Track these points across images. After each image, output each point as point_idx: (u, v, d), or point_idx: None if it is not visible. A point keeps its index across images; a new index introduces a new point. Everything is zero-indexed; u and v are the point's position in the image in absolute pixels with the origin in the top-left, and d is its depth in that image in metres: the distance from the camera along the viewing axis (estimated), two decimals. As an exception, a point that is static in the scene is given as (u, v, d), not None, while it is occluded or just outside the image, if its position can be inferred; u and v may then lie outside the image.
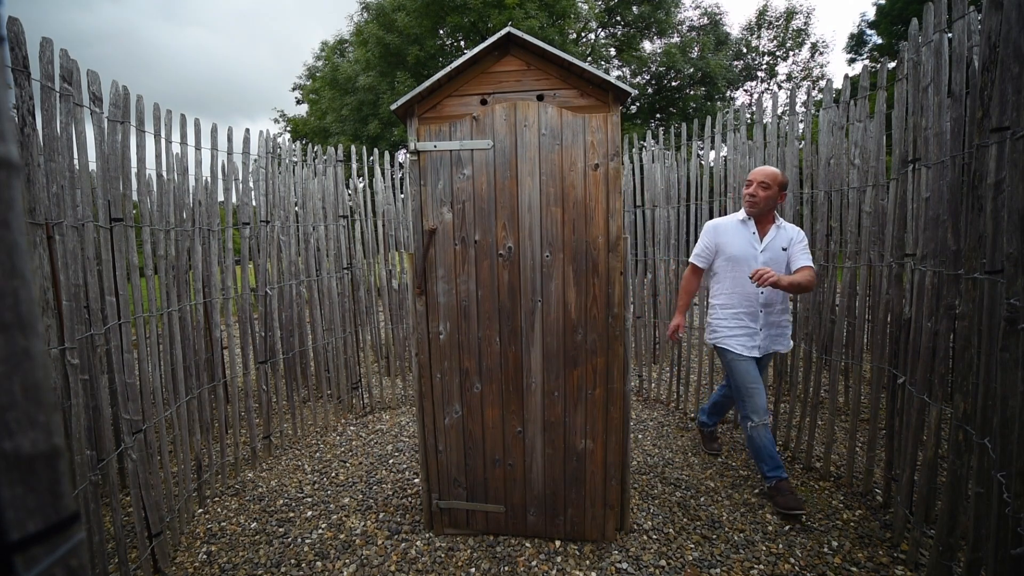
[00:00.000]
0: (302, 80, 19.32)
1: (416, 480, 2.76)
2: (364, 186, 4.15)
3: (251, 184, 3.09)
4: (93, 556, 1.72)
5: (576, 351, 2.03)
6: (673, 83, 16.49)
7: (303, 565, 2.09)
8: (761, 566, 2.00)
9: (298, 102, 20.24)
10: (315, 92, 16.65)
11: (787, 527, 2.24)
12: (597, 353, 2.02)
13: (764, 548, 2.11)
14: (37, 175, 1.54)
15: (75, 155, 1.75)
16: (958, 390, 1.59)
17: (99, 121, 1.91)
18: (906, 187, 2.15)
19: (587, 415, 2.06)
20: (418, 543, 2.20)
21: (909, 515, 2.02)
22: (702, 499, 2.50)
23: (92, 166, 1.91)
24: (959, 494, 1.61)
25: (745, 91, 18.90)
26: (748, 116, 3.43)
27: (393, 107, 1.98)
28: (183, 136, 2.45)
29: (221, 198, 2.87)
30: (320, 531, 2.32)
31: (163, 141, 2.33)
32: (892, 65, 2.52)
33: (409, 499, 2.57)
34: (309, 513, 2.48)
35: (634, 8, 15.38)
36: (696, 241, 3.73)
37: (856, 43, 19.34)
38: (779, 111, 3.38)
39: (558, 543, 2.17)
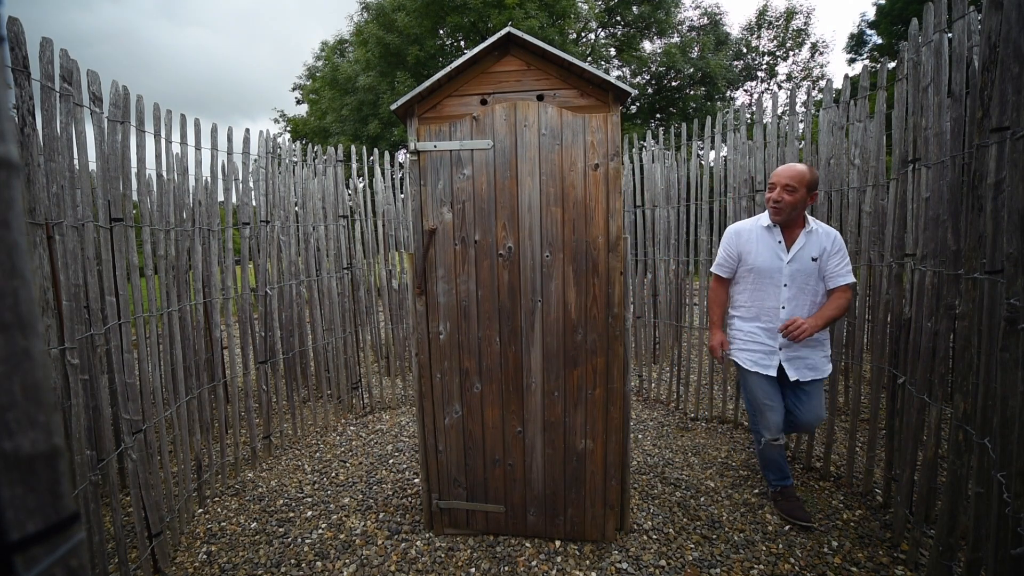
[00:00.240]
0: (302, 80, 19.33)
1: (416, 480, 2.76)
2: (364, 186, 4.15)
3: (251, 184, 3.09)
4: (93, 556, 1.72)
5: (576, 351, 2.03)
6: (673, 83, 16.50)
7: (303, 565, 2.09)
8: (761, 566, 2.00)
9: (298, 102, 20.26)
10: (315, 92, 16.66)
11: (787, 527, 2.24)
12: (597, 353, 2.02)
13: (764, 548, 2.11)
14: (37, 175, 1.54)
15: (75, 155, 1.75)
16: (958, 390, 1.59)
17: (99, 121, 1.91)
18: (906, 187, 2.15)
19: (587, 415, 2.06)
20: (418, 543, 2.20)
21: (909, 515, 2.02)
22: (702, 499, 2.50)
23: (92, 166, 1.91)
24: (959, 494, 1.61)
25: (745, 91, 18.91)
26: (748, 116, 3.43)
27: (393, 107, 1.98)
28: (183, 136, 2.45)
29: (221, 198, 2.87)
30: (320, 531, 2.32)
31: (163, 141, 2.33)
32: (892, 65, 2.52)
33: (409, 499, 2.57)
34: (309, 513, 2.48)
35: (634, 8, 15.38)
36: (697, 242, 3.75)
37: (856, 43, 19.34)
38: (779, 111, 3.38)
39: (558, 543, 2.17)
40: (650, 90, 16.58)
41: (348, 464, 3.00)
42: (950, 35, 1.86)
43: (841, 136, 2.74)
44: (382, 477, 2.82)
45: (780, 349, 2.21)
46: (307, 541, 2.25)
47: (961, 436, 1.57)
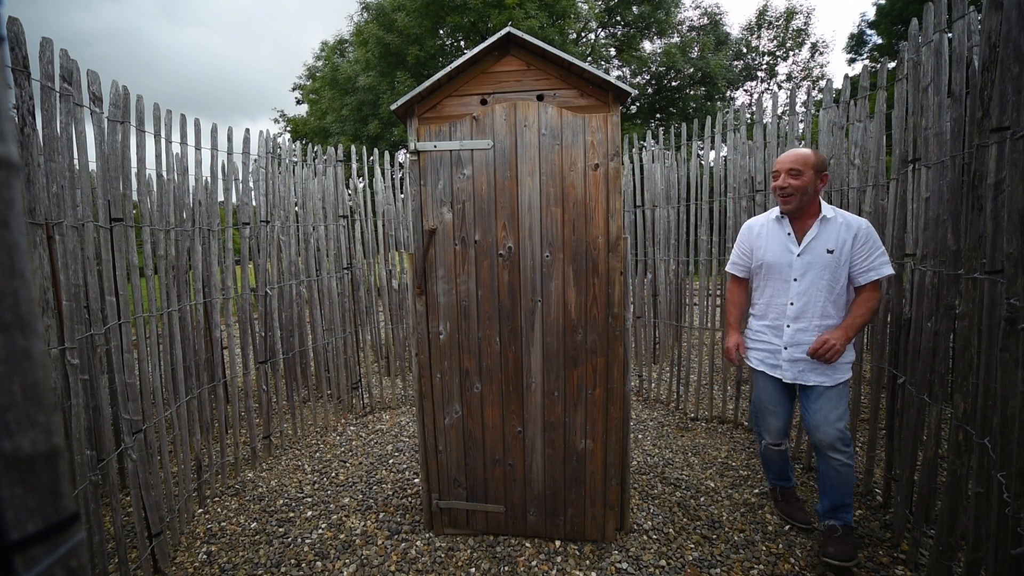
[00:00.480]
0: (302, 80, 19.34)
1: (416, 480, 2.76)
2: (364, 186, 4.15)
3: (251, 184, 3.09)
4: (93, 556, 1.72)
5: (576, 351, 2.03)
6: (673, 83, 16.50)
7: (303, 565, 2.09)
8: (761, 566, 2.00)
9: (298, 102, 20.26)
10: (315, 92, 16.67)
11: (787, 527, 2.24)
12: (597, 353, 2.02)
13: (764, 548, 2.11)
14: (37, 175, 1.54)
15: (75, 155, 1.75)
16: (958, 390, 1.59)
17: (99, 121, 1.91)
18: (906, 187, 2.15)
19: (587, 415, 2.06)
20: (418, 543, 2.20)
21: (909, 515, 2.02)
22: (702, 499, 2.50)
23: (92, 166, 1.91)
24: (959, 494, 1.61)
25: (745, 91, 18.92)
26: (748, 116, 3.43)
27: (393, 107, 1.98)
28: (183, 136, 2.45)
29: (221, 198, 2.87)
30: (320, 531, 2.32)
31: (163, 141, 2.33)
32: (892, 65, 2.52)
33: (409, 499, 2.57)
34: (309, 513, 2.48)
35: (634, 8, 15.38)
36: (697, 242, 3.75)
37: (856, 43, 19.35)
38: (779, 111, 3.38)
39: (558, 543, 2.17)
40: (650, 90, 16.58)
41: (348, 464, 3.00)
42: (950, 35, 1.86)
43: (841, 136, 2.74)
44: (382, 477, 2.82)
45: (785, 348, 2.04)
46: (307, 541, 2.25)
47: (961, 436, 1.57)
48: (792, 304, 2.02)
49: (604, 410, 2.05)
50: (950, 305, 1.81)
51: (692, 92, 16.17)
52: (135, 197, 2.17)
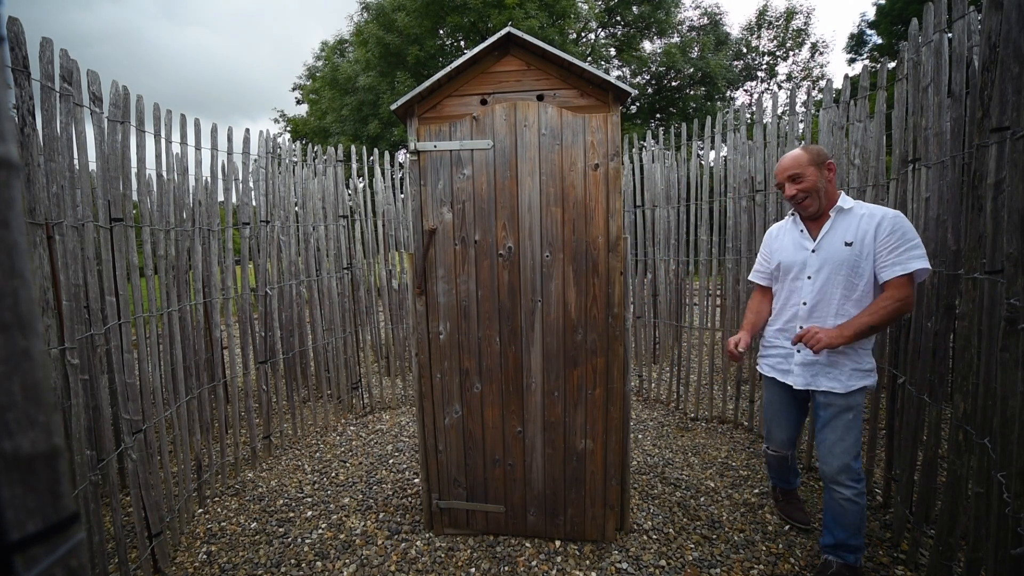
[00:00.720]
0: (302, 80, 19.34)
1: (416, 480, 2.75)
2: (364, 186, 4.15)
3: (251, 184, 3.09)
4: (93, 556, 1.72)
5: (576, 351, 2.03)
6: (673, 83, 16.50)
7: (303, 565, 2.09)
8: (761, 566, 2.00)
9: (298, 102, 20.27)
10: (315, 92, 16.67)
11: (787, 527, 2.24)
12: (597, 353, 2.02)
13: (764, 548, 2.11)
14: (37, 175, 1.54)
15: (75, 155, 1.75)
16: (958, 390, 1.59)
17: (99, 121, 1.91)
18: (906, 187, 2.15)
19: (587, 415, 2.06)
20: (418, 543, 2.20)
21: (909, 515, 2.02)
22: (702, 499, 2.50)
23: (92, 166, 1.91)
24: (959, 494, 1.61)
25: (745, 91, 18.92)
26: (748, 116, 3.43)
27: (393, 107, 1.98)
28: (183, 136, 2.45)
29: (221, 198, 2.87)
30: (320, 531, 2.32)
31: (163, 141, 2.33)
32: (892, 65, 2.52)
33: (409, 499, 2.57)
34: (309, 513, 2.48)
35: (634, 8, 15.38)
36: (697, 242, 3.75)
37: (856, 43, 19.35)
38: (779, 111, 3.38)
39: (558, 543, 2.17)
40: (650, 90, 16.58)
41: (348, 464, 3.00)
42: (950, 35, 1.86)
43: (841, 136, 2.74)
44: (382, 477, 2.82)
45: (798, 351, 1.89)
46: (307, 541, 2.25)
47: (961, 436, 1.57)
48: (806, 303, 1.86)
49: (604, 410, 2.05)
50: (950, 305, 1.81)
51: (692, 92, 16.18)
52: (135, 197, 2.17)
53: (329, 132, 14.64)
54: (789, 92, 3.24)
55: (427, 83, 1.92)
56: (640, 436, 3.29)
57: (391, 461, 3.01)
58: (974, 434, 1.47)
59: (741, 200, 3.27)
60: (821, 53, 18.52)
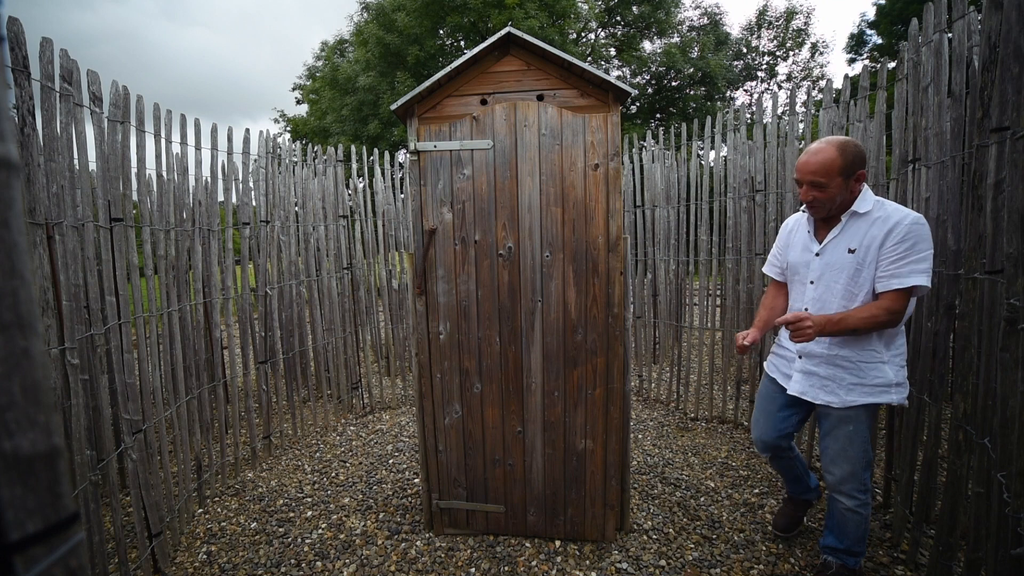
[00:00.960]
0: (302, 80, 19.34)
1: (416, 480, 2.76)
2: (364, 186, 4.15)
3: (251, 184, 3.09)
4: (93, 556, 1.72)
5: (576, 351, 2.03)
6: (673, 83, 16.49)
7: (303, 565, 2.09)
8: (761, 566, 2.00)
9: (298, 102, 20.26)
10: (315, 92, 16.67)
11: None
12: (597, 353, 2.02)
13: (764, 548, 2.11)
14: (37, 175, 1.54)
15: (75, 155, 1.75)
16: (958, 390, 1.59)
17: (99, 121, 1.91)
18: (906, 187, 2.15)
19: (587, 415, 2.06)
20: (418, 543, 2.20)
21: (909, 515, 2.02)
22: (702, 499, 2.50)
23: (92, 166, 1.91)
24: (959, 494, 1.61)
25: (745, 91, 18.92)
26: (748, 116, 3.43)
27: (393, 107, 1.98)
28: (183, 136, 2.45)
29: (221, 198, 2.87)
30: (320, 531, 2.32)
31: (163, 141, 2.33)
32: (892, 65, 2.52)
33: (409, 499, 2.57)
34: (309, 513, 2.48)
35: (634, 8, 15.38)
36: (697, 242, 3.75)
37: (856, 43, 19.35)
38: (779, 111, 3.38)
39: (558, 543, 2.17)
40: (650, 90, 16.57)
41: (348, 464, 3.00)
42: (950, 35, 1.86)
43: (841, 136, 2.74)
44: (382, 477, 2.82)
45: (799, 357, 1.81)
46: (307, 541, 2.25)
47: (961, 436, 1.57)
48: (807, 309, 1.76)
49: (604, 410, 2.05)
50: (950, 305, 1.81)
51: (692, 92, 16.17)
52: (135, 197, 2.17)
53: (329, 132, 14.64)
54: (789, 92, 3.25)
55: (427, 83, 1.92)
56: (640, 436, 3.29)
57: (391, 461, 3.01)
58: (974, 434, 1.47)
59: (741, 200, 3.27)
60: (821, 53, 18.53)
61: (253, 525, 2.39)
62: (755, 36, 18.44)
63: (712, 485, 2.63)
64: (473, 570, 2.02)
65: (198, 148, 2.61)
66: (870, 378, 1.66)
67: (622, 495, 2.18)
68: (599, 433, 2.07)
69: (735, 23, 31.76)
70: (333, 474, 2.88)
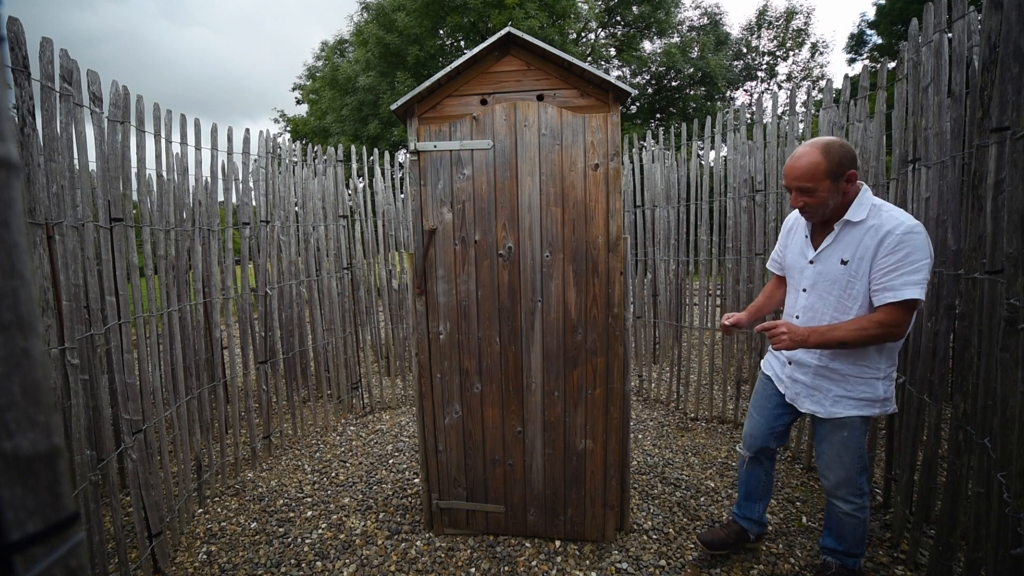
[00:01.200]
0: (302, 80, 19.33)
1: (416, 480, 2.75)
2: (364, 186, 4.15)
3: (251, 184, 3.09)
4: (93, 556, 1.72)
5: (576, 351, 2.03)
6: (673, 83, 16.49)
7: (303, 565, 2.09)
8: (761, 566, 2.00)
9: (298, 102, 20.26)
10: (315, 92, 16.66)
11: (788, 527, 2.24)
12: (597, 353, 2.02)
13: (764, 548, 2.11)
14: (37, 175, 1.54)
15: (75, 155, 1.75)
16: (958, 390, 1.59)
17: (99, 121, 1.91)
18: (906, 187, 2.15)
19: (587, 415, 2.06)
20: (418, 543, 2.20)
21: (909, 515, 2.02)
22: (702, 499, 2.50)
23: (92, 166, 1.91)
24: (959, 494, 1.61)
25: (745, 91, 18.92)
26: (748, 116, 3.43)
27: (393, 107, 1.98)
28: (183, 136, 2.45)
29: (221, 198, 2.87)
30: (320, 531, 2.32)
31: (163, 141, 2.33)
32: (892, 65, 2.52)
33: (409, 499, 2.57)
34: (309, 513, 2.48)
35: (634, 8, 15.38)
36: (697, 242, 3.75)
37: (856, 43, 19.35)
38: (779, 111, 3.38)
39: (558, 543, 2.17)
40: (650, 90, 16.57)
41: (348, 464, 3.00)
42: (950, 35, 1.86)
43: (841, 136, 2.74)
44: (382, 477, 2.82)
45: (789, 363, 1.78)
46: (307, 541, 2.25)
47: (961, 436, 1.57)
48: (798, 318, 1.72)
49: (604, 410, 2.05)
50: (950, 305, 1.81)
51: (692, 92, 16.17)
52: (135, 197, 2.17)
53: (329, 132, 14.64)
54: (789, 92, 3.25)
55: (427, 83, 1.92)
56: (640, 436, 3.29)
57: (391, 461, 3.01)
58: (974, 434, 1.47)
59: (741, 200, 3.27)
60: (821, 53, 18.52)
61: (253, 525, 2.39)
62: (755, 36, 18.44)
63: (712, 485, 2.63)
64: (473, 570, 2.02)
65: (198, 148, 2.61)
66: (858, 392, 1.63)
67: (622, 495, 2.18)
68: (599, 433, 2.07)
69: (735, 23, 31.77)
70: (333, 474, 2.88)
